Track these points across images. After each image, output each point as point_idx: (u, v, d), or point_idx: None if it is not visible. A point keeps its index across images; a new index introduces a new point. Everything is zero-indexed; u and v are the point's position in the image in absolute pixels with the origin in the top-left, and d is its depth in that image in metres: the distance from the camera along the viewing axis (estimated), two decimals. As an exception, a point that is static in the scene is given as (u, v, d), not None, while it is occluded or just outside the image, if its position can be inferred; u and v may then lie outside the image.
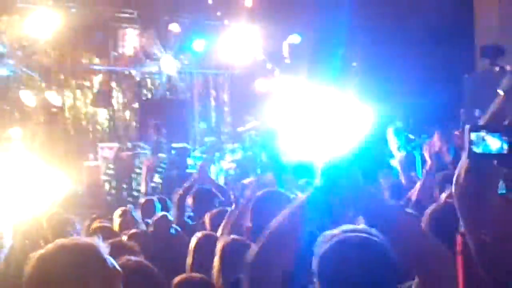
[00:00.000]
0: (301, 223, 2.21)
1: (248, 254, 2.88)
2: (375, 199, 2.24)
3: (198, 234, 4.24)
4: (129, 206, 7.54)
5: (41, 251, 2.00)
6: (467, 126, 2.26)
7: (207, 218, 5.05)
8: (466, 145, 2.25)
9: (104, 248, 2.03)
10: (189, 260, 4.04)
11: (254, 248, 2.26)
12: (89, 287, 1.91)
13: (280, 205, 3.22)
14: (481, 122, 2.40)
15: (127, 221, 7.01)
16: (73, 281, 1.89)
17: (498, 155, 2.23)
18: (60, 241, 2.04)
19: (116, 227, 6.93)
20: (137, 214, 7.15)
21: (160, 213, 6.00)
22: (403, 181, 8.25)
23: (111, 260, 2.01)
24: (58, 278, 1.89)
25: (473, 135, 2.24)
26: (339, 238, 2.20)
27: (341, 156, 2.16)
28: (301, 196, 2.25)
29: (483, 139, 2.24)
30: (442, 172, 5.68)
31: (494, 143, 2.23)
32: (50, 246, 2.00)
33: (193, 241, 4.15)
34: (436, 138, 9.73)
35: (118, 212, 7.37)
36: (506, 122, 2.29)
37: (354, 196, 2.14)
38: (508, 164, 2.27)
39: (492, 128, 2.25)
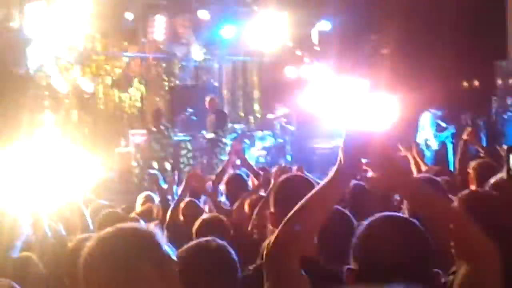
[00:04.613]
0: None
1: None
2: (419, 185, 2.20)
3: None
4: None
5: (100, 233, 2.07)
6: (506, 147, 2.22)
7: (246, 204, 5.04)
8: (506, 166, 2.21)
9: (161, 236, 2.08)
10: None
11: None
12: (141, 269, 1.98)
13: (303, 189, 3.19)
14: None
15: (149, 206, 7.06)
16: (127, 262, 1.97)
17: None
18: (120, 224, 2.12)
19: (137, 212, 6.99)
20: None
21: (187, 199, 5.95)
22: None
23: (167, 249, 2.07)
24: (112, 259, 1.97)
25: None
26: (374, 217, 2.26)
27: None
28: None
29: None
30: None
31: None
32: (109, 228, 2.07)
33: None
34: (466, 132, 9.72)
35: (140, 197, 7.43)
36: None
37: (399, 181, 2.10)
38: None
39: None
